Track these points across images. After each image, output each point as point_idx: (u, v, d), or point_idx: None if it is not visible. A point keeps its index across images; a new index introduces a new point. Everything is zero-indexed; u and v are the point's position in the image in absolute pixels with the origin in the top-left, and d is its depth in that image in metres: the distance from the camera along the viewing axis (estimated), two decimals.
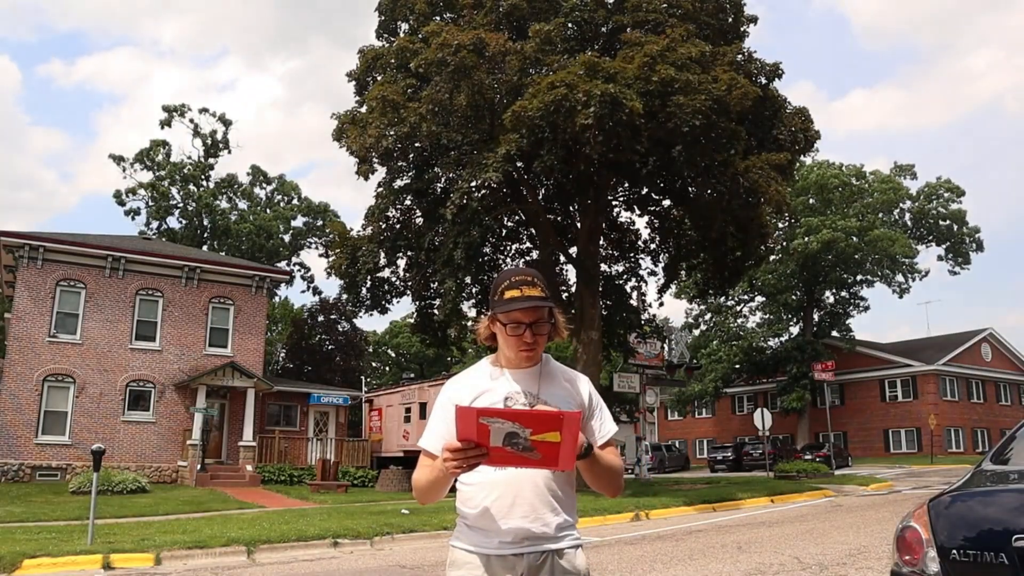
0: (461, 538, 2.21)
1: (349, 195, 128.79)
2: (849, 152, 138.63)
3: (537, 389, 2.21)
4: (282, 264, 47.45)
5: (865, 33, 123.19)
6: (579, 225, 22.95)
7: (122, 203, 46.18)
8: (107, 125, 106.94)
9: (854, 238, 40.68)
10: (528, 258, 24.51)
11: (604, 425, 2.28)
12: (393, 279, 23.80)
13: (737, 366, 45.81)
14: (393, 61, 20.96)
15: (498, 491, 2.13)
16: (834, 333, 44.68)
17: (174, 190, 46.99)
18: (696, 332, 47.39)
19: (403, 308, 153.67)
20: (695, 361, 42.67)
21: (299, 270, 50.79)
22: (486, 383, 2.24)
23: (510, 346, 2.21)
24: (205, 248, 44.32)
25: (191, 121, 47.79)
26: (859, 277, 43.89)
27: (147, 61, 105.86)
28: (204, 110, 48.68)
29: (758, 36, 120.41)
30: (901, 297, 52.04)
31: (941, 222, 45.98)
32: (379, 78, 21.69)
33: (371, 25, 62.21)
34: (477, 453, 1.91)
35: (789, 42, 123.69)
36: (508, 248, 24.73)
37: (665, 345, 28.31)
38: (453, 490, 2.29)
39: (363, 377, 42.51)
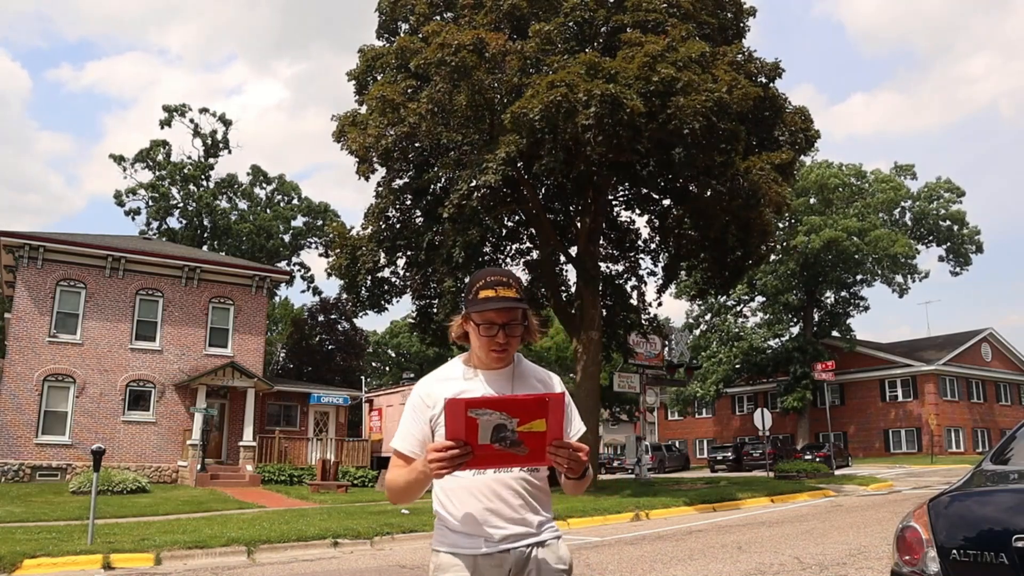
0: (444, 542, 2.20)
1: (351, 196, 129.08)
2: (849, 155, 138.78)
3: (510, 390, 2.21)
4: (282, 264, 47.46)
5: (863, 38, 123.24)
6: (579, 225, 22.94)
7: (121, 203, 46.23)
8: (115, 129, 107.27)
9: (855, 238, 40.69)
10: (528, 258, 24.51)
11: (573, 425, 2.29)
12: (393, 279, 23.80)
13: (737, 366, 45.79)
14: (393, 61, 20.96)
15: (478, 494, 2.14)
16: (834, 333, 44.67)
17: (174, 190, 46.99)
18: (696, 332, 47.38)
19: (403, 308, 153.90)
20: (695, 361, 42.66)
21: (299, 270, 50.85)
22: (460, 384, 2.23)
23: (482, 346, 2.21)
24: (205, 248, 44.32)
25: (191, 121, 47.86)
26: (859, 277, 43.88)
27: (155, 66, 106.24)
28: (204, 110, 48.69)
29: (758, 41, 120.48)
30: (901, 297, 52.16)
31: (941, 223, 45.98)
32: (379, 78, 21.70)
33: (373, 28, 62.11)
34: (463, 453, 1.91)
35: (788, 47, 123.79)
36: (508, 248, 24.71)
37: (665, 345, 28.28)
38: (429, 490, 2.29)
39: (363, 377, 42.52)
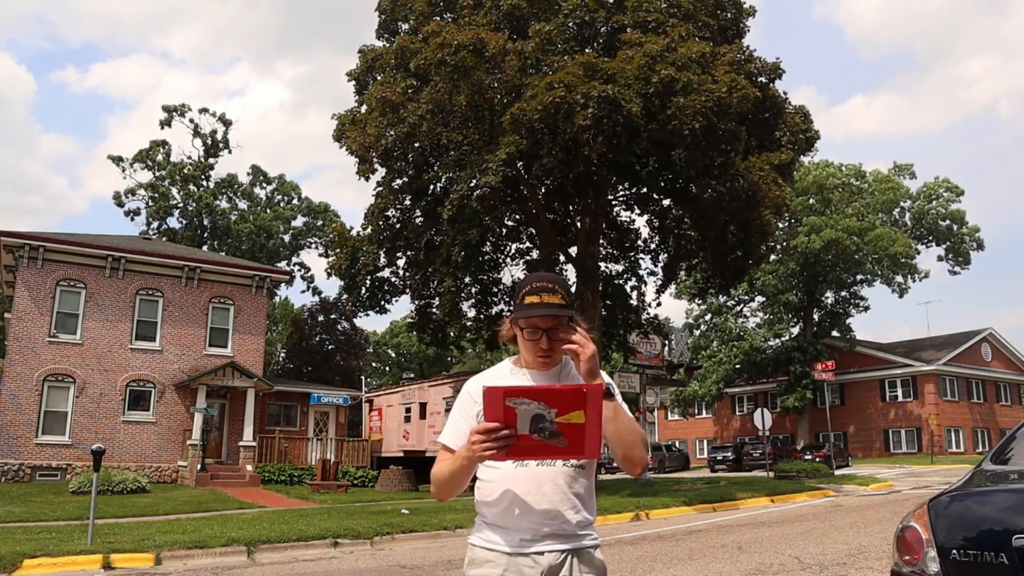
0: (481, 535, 2.21)
1: (352, 196, 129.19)
2: (849, 156, 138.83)
3: None
4: (282, 264, 47.45)
5: (862, 41, 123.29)
6: (579, 225, 22.95)
7: (121, 204, 46.23)
8: (118, 131, 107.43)
9: (854, 238, 40.70)
10: (528, 258, 24.51)
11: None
12: (393, 279, 23.81)
13: (738, 366, 45.80)
14: (393, 61, 20.96)
15: (519, 488, 2.14)
16: (834, 333, 44.67)
17: (174, 190, 46.99)
18: (696, 333, 47.38)
19: (403, 308, 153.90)
20: (695, 361, 42.64)
21: (299, 270, 50.85)
22: (508, 382, 2.25)
23: (527, 350, 2.24)
24: (205, 248, 44.32)
25: (191, 121, 47.84)
26: (859, 277, 43.88)
27: (158, 69, 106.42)
28: (204, 110, 48.75)
29: (759, 43, 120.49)
30: (901, 297, 52.05)
31: (941, 222, 45.98)
32: (379, 78, 21.70)
33: (374, 28, 62.04)
34: (507, 434, 1.91)
35: (789, 49, 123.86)
36: (508, 248, 24.73)
37: (665, 344, 28.28)
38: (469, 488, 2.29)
39: (363, 377, 42.51)
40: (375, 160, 20.93)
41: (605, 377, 2.15)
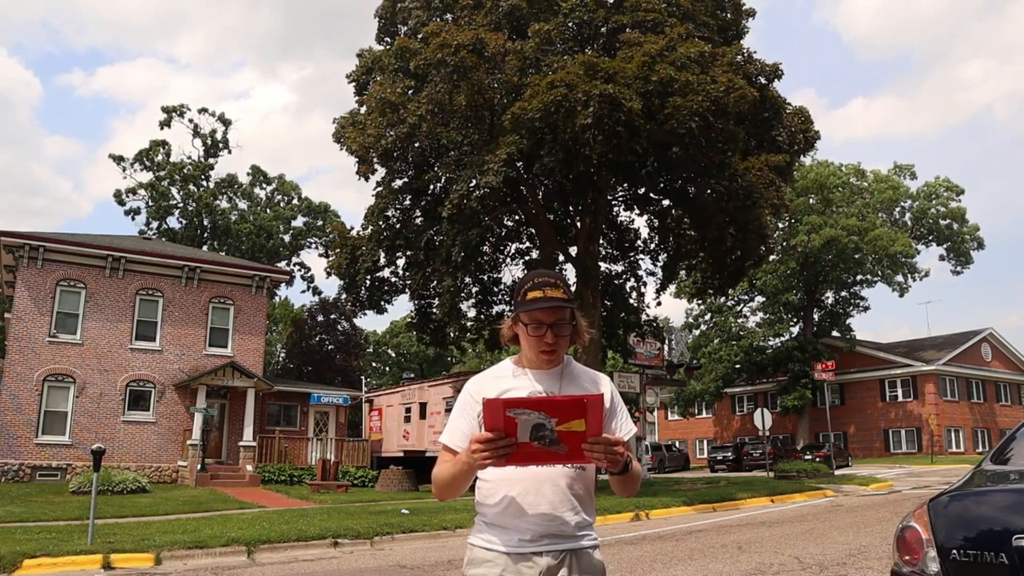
0: (481, 535, 2.21)
1: (352, 196, 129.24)
2: (849, 158, 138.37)
3: (559, 389, 2.23)
4: (282, 264, 47.43)
5: (861, 45, 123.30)
6: (579, 225, 22.95)
7: (122, 203, 46.23)
8: (123, 132, 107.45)
9: (854, 237, 40.71)
10: (528, 258, 24.52)
11: (623, 426, 2.30)
12: (392, 278, 23.82)
13: (737, 366, 45.80)
14: (393, 62, 20.97)
15: (519, 488, 2.14)
16: (834, 333, 44.67)
17: (174, 190, 46.98)
18: (696, 332, 47.38)
19: (403, 308, 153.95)
20: (695, 361, 42.66)
21: (299, 270, 50.83)
22: (509, 382, 2.25)
23: (531, 346, 2.24)
24: (205, 248, 44.31)
25: (190, 121, 47.83)
26: (859, 277, 43.89)
27: (164, 73, 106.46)
28: (203, 110, 48.69)
29: (760, 48, 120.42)
30: (901, 296, 52.10)
31: (941, 221, 45.99)
32: (378, 79, 21.72)
33: (374, 31, 61.99)
34: (507, 443, 1.92)
35: (789, 53, 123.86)
36: (508, 248, 24.74)
37: (665, 345, 28.26)
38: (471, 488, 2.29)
39: (363, 377, 42.52)
40: (375, 160, 20.95)
41: (632, 459, 2.13)
